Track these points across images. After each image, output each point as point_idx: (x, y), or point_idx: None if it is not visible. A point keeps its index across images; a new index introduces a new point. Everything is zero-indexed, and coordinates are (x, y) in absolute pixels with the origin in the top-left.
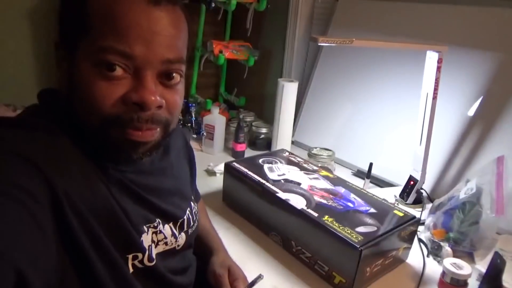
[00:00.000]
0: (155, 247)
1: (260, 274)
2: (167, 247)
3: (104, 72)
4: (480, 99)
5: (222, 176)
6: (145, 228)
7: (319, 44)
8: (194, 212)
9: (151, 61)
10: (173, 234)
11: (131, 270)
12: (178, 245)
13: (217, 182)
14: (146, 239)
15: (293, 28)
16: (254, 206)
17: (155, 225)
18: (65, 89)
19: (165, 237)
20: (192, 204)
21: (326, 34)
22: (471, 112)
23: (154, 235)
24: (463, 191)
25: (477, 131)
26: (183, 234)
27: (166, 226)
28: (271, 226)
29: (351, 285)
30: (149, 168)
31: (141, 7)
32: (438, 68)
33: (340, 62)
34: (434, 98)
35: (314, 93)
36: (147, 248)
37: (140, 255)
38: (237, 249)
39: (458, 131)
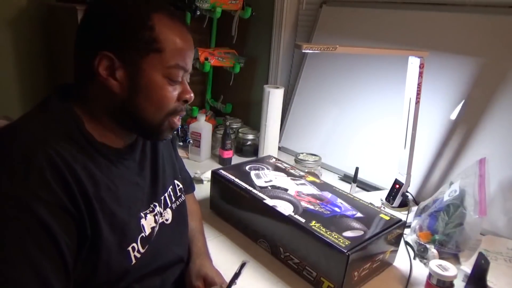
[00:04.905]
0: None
1: (243, 261)
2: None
3: (170, 81)
4: (462, 103)
5: (209, 183)
6: (142, 214)
7: (303, 51)
8: (179, 189)
9: (188, 72)
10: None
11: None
12: (167, 219)
13: (204, 190)
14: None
15: (278, 35)
16: (242, 213)
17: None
18: (125, 91)
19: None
20: (175, 181)
21: (310, 41)
22: (453, 116)
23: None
24: (447, 193)
25: (459, 134)
26: (168, 209)
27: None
28: (259, 233)
29: None
30: (141, 158)
31: (188, 36)
32: (420, 73)
33: (325, 68)
34: (417, 102)
35: (300, 99)
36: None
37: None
38: (225, 257)
39: (441, 135)
